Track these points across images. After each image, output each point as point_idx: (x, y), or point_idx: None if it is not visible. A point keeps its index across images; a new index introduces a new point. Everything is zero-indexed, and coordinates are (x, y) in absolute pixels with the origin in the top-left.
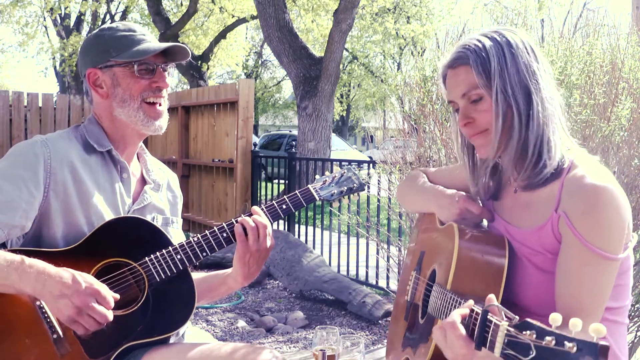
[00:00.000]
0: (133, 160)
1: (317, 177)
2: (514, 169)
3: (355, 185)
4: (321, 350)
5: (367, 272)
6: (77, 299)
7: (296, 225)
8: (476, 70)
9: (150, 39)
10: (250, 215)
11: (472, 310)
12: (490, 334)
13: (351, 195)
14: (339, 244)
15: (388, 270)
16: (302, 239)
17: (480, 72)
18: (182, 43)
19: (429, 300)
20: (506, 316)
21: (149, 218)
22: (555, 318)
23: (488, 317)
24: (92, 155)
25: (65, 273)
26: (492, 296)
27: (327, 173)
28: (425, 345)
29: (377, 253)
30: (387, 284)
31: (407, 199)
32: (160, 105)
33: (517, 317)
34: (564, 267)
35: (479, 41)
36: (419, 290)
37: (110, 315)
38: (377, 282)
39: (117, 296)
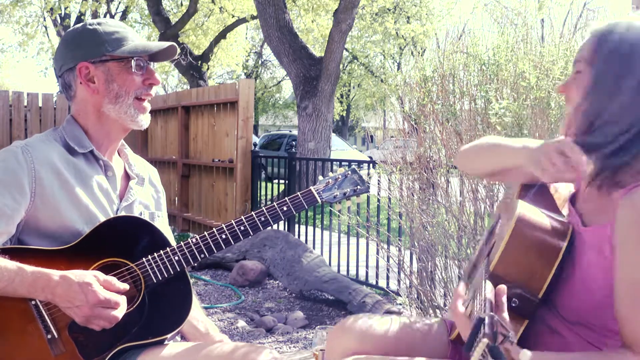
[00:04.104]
0: (115, 157)
1: (320, 178)
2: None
3: (359, 187)
4: (321, 350)
5: (367, 272)
6: (86, 309)
7: (296, 225)
8: (597, 47)
9: (139, 37)
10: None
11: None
12: (475, 342)
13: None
14: (339, 244)
15: (388, 270)
16: (302, 239)
17: (597, 50)
18: (182, 43)
19: (479, 264)
20: (501, 332)
21: (136, 214)
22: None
23: (481, 325)
24: (75, 156)
25: (74, 286)
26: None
27: (330, 174)
28: None
29: (377, 253)
30: (387, 284)
31: (481, 157)
32: (146, 101)
33: (511, 333)
34: (617, 286)
35: (630, 26)
36: (482, 254)
37: (120, 314)
38: (377, 282)
39: (127, 287)
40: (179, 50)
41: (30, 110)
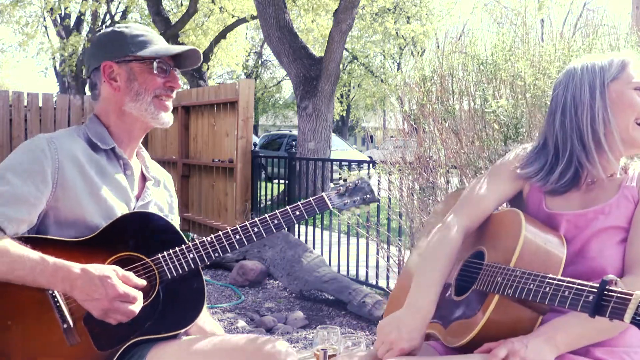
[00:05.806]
0: (133, 158)
1: (332, 185)
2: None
3: (368, 196)
4: (322, 349)
5: (367, 272)
6: (105, 302)
7: (296, 225)
8: None
9: (164, 41)
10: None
11: (575, 283)
12: (615, 303)
13: None
14: (339, 244)
15: (388, 270)
16: (302, 239)
17: None
18: (182, 43)
19: (478, 277)
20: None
21: None
22: None
23: (607, 287)
24: (97, 153)
25: (95, 279)
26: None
27: (341, 181)
28: (468, 320)
29: (377, 253)
30: (387, 284)
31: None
32: (168, 101)
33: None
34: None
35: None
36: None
37: (137, 308)
38: (377, 282)
39: (144, 282)
40: (202, 57)
41: (30, 110)
